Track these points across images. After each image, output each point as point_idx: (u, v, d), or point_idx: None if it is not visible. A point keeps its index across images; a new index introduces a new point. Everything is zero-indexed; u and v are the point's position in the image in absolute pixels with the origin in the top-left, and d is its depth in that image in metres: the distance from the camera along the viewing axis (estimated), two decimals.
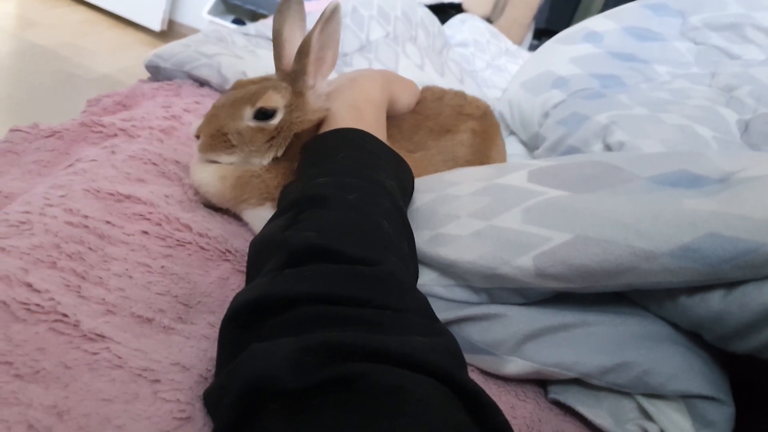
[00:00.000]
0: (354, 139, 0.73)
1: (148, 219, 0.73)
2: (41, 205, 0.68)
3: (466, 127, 1.02)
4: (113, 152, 0.88)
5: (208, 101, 1.22)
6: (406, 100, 0.95)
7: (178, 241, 0.72)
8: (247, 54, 1.30)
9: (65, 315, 0.58)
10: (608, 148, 1.30)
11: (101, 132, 0.96)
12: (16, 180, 0.91)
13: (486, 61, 2.35)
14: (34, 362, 0.50)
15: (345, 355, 0.38)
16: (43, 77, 3.34)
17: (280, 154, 0.82)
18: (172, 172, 0.87)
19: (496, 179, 0.85)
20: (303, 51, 0.80)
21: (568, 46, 1.59)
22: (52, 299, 0.59)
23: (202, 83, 1.30)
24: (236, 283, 0.78)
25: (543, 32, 4.56)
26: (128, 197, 0.75)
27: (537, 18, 4.23)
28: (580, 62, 1.53)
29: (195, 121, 0.83)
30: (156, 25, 4.53)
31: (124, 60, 3.97)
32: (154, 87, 1.28)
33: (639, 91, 1.37)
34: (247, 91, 0.81)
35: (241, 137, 0.80)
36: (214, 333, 0.63)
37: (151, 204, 0.75)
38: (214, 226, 0.80)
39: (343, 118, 0.79)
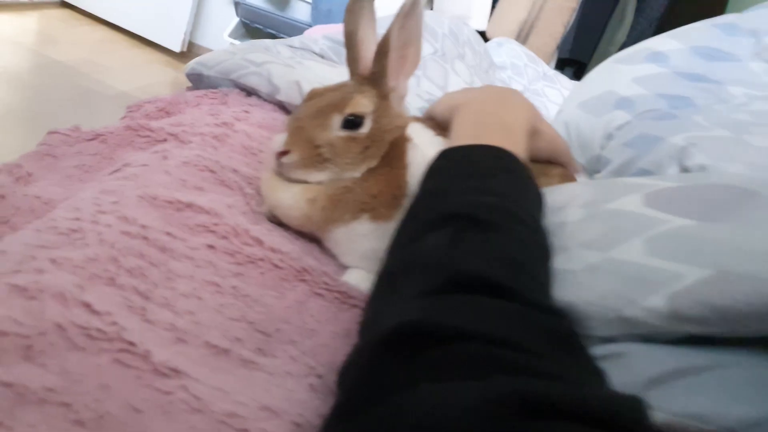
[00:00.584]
0: (510, 163, 0.64)
1: (213, 231, 0.63)
2: (92, 211, 0.57)
3: (557, 172, 0.93)
4: (165, 157, 0.78)
5: (257, 111, 1.12)
6: (546, 144, 0.85)
7: (248, 257, 0.61)
8: (296, 64, 1.20)
9: (132, 343, 0.47)
10: (686, 170, 1.19)
11: (149, 136, 0.87)
12: (55, 185, 0.81)
13: (523, 84, 2.26)
14: (97, 404, 0.39)
15: (541, 410, 0.31)
16: (61, 92, 3.28)
17: (374, 164, 0.75)
18: (232, 180, 0.76)
19: (605, 204, 0.73)
20: (382, 51, 0.74)
21: (629, 66, 1.49)
22: (114, 323, 0.48)
23: (249, 92, 1.21)
24: (315, 308, 0.66)
25: (566, 62, 4.50)
26: (189, 206, 0.65)
27: (560, 48, 4.17)
28: (644, 82, 1.43)
29: (276, 137, 0.75)
30: (176, 46, 4.48)
31: (143, 78, 3.91)
32: (198, 95, 1.19)
33: (715, 113, 1.27)
34: (329, 98, 0.74)
35: (334, 149, 0.73)
36: (298, 368, 0.51)
37: (215, 214, 0.64)
38: (285, 240, 0.69)
39: (491, 137, 0.69)
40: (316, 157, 0.73)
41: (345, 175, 0.74)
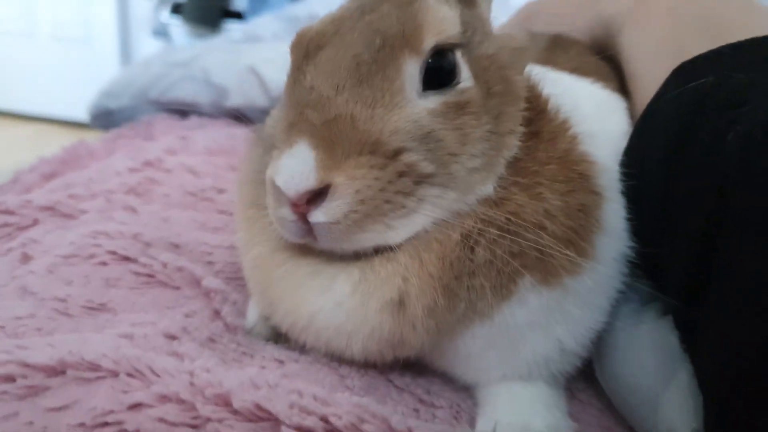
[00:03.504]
0: None
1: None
2: None
3: None
4: (26, 257, 0.48)
5: (199, 134, 0.78)
6: None
7: None
8: (240, 49, 0.81)
9: None
10: None
11: (5, 224, 0.55)
12: None
13: None
14: None
15: None
16: None
17: (513, 151, 0.41)
18: (171, 268, 0.46)
19: None
20: None
21: None
22: None
23: (184, 112, 0.83)
24: None
25: None
26: (59, 371, 0.32)
27: None
28: None
29: (279, 161, 0.37)
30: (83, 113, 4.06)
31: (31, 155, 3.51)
32: (107, 138, 0.85)
33: None
34: (365, 30, 0.40)
35: (430, 142, 0.38)
36: None
37: (133, 372, 0.33)
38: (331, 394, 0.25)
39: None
40: (397, 180, 0.37)
41: (463, 202, 0.40)
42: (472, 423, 0.41)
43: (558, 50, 0.51)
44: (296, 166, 0.36)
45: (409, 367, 0.45)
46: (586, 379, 0.44)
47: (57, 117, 3.87)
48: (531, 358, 0.43)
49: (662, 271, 0.39)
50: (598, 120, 0.46)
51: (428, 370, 0.46)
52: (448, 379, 0.45)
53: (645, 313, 0.42)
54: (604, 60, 0.51)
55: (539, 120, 0.43)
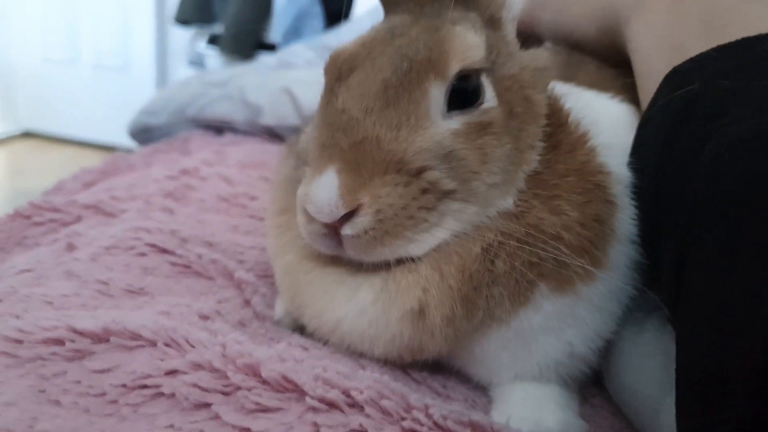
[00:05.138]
0: None
1: (161, 392, 0.32)
2: None
3: None
4: (71, 247, 0.50)
5: (234, 150, 0.80)
6: None
7: None
8: (276, 72, 0.83)
9: None
10: None
11: (52, 220, 0.61)
12: None
13: None
14: None
15: None
16: None
17: (533, 165, 0.42)
18: (206, 260, 0.48)
19: None
20: None
21: None
22: None
23: (219, 129, 0.86)
24: None
25: None
26: (103, 339, 0.35)
27: None
28: None
29: (310, 187, 0.39)
30: None
31: None
32: (145, 152, 0.87)
33: None
34: (395, 54, 0.41)
35: (452, 160, 0.40)
36: None
37: (170, 342, 0.34)
38: (344, 371, 0.31)
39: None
40: (420, 196, 0.39)
41: (484, 216, 0.41)
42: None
43: (577, 66, 0.52)
44: (325, 197, 0.38)
45: (425, 364, 0.46)
46: (598, 385, 0.45)
47: (96, 141, 3.98)
48: (542, 361, 0.44)
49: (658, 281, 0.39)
50: (615, 133, 0.46)
51: (445, 367, 0.46)
52: (463, 377, 0.46)
53: (648, 321, 0.42)
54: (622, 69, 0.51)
55: (559, 133, 0.44)
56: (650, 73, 0.45)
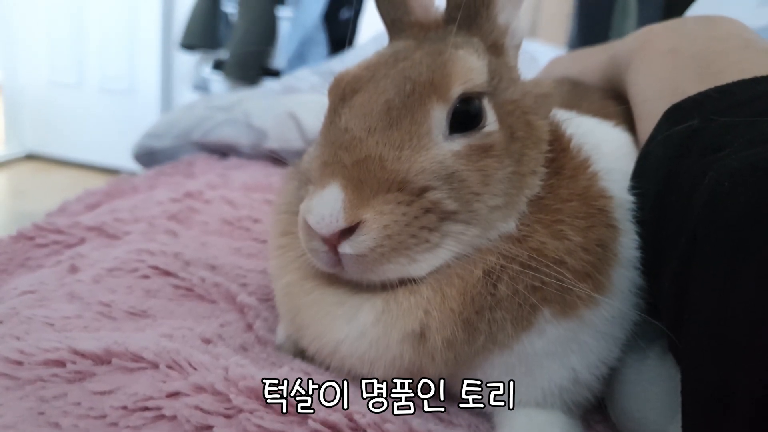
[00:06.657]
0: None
1: (162, 413, 0.31)
2: None
3: None
4: (74, 269, 0.50)
5: (238, 173, 0.78)
6: None
7: None
8: (281, 96, 0.83)
9: None
10: None
11: (56, 242, 0.56)
12: None
13: None
14: None
15: None
16: None
17: (534, 193, 0.42)
18: (209, 283, 0.48)
19: None
20: None
21: None
22: None
23: (223, 153, 0.87)
24: None
25: None
26: (105, 360, 0.34)
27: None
28: None
29: (312, 201, 0.39)
30: None
31: None
32: (149, 175, 0.85)
33: None
34: (398, 77, 0.42)
35: (454, 182, 0.40)
36: None
37: (172, 365, 0.35)
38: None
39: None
40: (423, 215, 0.39)
41: (485, 238, 0.41)
42: None
43: (580, 95, 0.53)
44: (327, 209, 0.38)
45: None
46: (602, 411, 0.44)
47: (100, 164, 4.00)
48: (546, 386, 0.43)
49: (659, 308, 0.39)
50: (616, 159, 0.47)
51: (447, 392, 0.44)
52: None
53: (651, 349, 0.42)
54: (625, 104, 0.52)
55: (562, 158, 0.45)
56: (649, 116, 0.46)
